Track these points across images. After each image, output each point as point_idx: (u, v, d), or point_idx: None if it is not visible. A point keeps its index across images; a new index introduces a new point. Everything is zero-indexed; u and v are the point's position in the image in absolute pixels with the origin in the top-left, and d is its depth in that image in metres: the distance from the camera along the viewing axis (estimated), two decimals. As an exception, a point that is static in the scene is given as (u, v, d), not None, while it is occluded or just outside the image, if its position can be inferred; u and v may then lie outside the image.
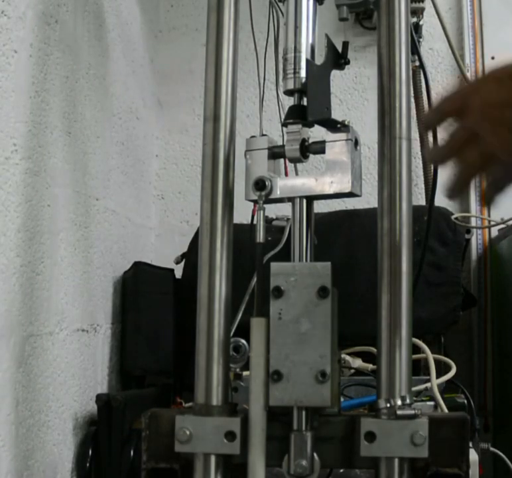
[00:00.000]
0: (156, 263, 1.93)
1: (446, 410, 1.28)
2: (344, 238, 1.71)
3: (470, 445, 0.97)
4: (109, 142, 1.76)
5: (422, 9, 2.05)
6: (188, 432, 0.96)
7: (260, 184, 1.03)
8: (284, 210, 1.44)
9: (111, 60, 1.78)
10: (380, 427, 0.93)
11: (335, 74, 1.03)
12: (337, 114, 1.01)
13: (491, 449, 1.46)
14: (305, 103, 1.04)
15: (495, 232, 2.03)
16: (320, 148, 1.04)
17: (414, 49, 1.26)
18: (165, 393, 1.73)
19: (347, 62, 1.05)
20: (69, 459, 1.45)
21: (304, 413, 0.96)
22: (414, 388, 1.23)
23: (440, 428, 0.94)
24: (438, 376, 1.35)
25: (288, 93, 1.06)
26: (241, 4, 1.10)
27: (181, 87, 2.30)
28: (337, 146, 1.02)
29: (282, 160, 1.10)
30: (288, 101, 1.07)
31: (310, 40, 1.06)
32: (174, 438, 0.97)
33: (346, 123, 1.02)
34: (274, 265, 0.97)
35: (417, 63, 1.88)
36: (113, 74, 1.79)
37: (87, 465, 1.47)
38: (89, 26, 1.60)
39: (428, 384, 1.35)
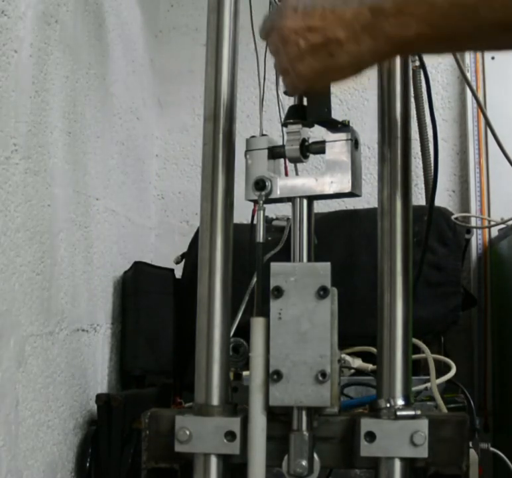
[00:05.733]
0: (156, 263, 1.93)
1: (445, 410, 1.28)
2: (344, 238, 1.71)
3: (470, 445, 0.97)
4: (109, 142, 1.76)
5: (422, 9, 2.05)
6: (188, 432, 0.96)
7: (260, 184, 1.03)
8: (284, 210, 1.43)
9: (111, 60, 1.78)
10: (380, 427, 0.93)
11: (335, 74, 1.03)
12: (337, 114, 1.01)
13: (491, 449, 1.46)
14: (305, 103, 1.04)
15: (495, 232, 2.03)
16: (320, 148, 1.04)
17: (414, 49, 1.26)
18: (165, 393, 1.73)
19: (347, 62, 1.04)
20: (69, 459, 1.45)
21: (304, 413, 0.96)
22: (414, 388, 1.23)
23: (440, 428, 0.94)
24: (438, 376, 1.35)
25: (288, 93, 1.06)
26: (241, 4, 1.10)
27: (181, 87, 2.30)
28: (337, 146, 1.02)
29: (282, 160, 1.10)
30: (288, 101, 1.07)
31: (310, 40, 1.06)
32: (174, 438, 0.97)
33: (346, 123, 1.02)
34: (274, 265, 0.97)
35: (417, 63, 1.88)
36: (113, 74, 1.79)
37: (87, 465, 1.47)
38: (89, 26, 1.60)
39: (428, 384, 1.35)
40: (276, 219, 1.72)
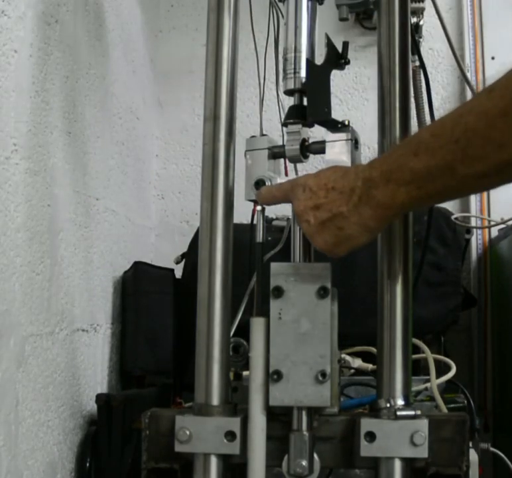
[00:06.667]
0: (156, 263, 1.93)
1: (445, 410, 1.28)
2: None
3: (470, 445, 0.97)
4: (109, 142, 1.76)
5: (422, 9, 2.05)
6: (188, 432, 0.96)
7: (260, 184, 1.03)
8: (284, 210, 1.43)
9: (111, 60, 1.78)
10: (380, 427, 0.93)
11: (335, 74, 1.03)
12: (337, 114, 1.01)
13: (491, 449, 1.46)
14: (305, 103, 1.04)
15: (495, 232, 2.03)
16: (319, 148, 1.04)
17: (414, 49, 1.26)
18: (165, 393, 1.73)
19: (347, 62, 1.05)
20: (69, 458, 1.45)
21: (303, 413, 0.96)
22: (414, 388, 1.23)
23: (440, 428, 0.94)
24: (438, 376, 1.35)
25: (288, 93, 1.06)
26: (241, 4, 1.10)
27: (181, 87, 2.30)
28: (337, 146, 1.02)
29: (282, 160, 1.10)
30: (288, 101, 1.07)
31: (310, 40, 1.06)
32: (174, 438, 0.97)
33: (346, 123, 1.02)
34: (274, 265, 0.97)
35: (417, 63, 1.88)
36: (113, 74, 1.79)
37: (87, 465, 1.47)
38: (89, 26, 1.60)
39: (428, 384, 1.35)
40: (276, 219, 1.72)
